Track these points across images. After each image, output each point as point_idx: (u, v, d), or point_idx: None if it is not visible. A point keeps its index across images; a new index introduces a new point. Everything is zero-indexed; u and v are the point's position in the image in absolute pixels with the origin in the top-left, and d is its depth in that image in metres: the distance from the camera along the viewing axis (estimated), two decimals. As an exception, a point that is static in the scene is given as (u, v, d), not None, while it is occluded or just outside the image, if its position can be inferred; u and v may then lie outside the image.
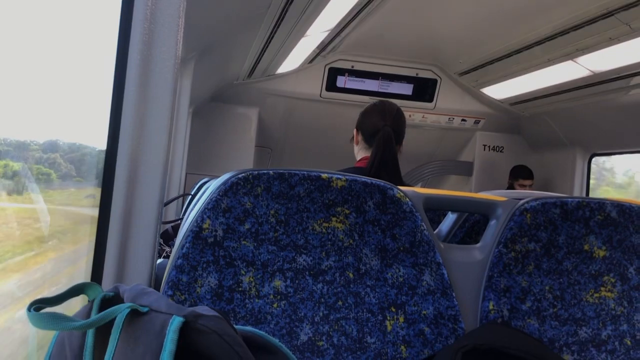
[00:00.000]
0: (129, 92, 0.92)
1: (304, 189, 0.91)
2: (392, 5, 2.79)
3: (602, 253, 1.03)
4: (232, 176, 0.90)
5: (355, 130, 1.98)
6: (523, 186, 4.01)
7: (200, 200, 0.92)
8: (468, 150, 4.56)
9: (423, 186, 4.48)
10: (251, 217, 0.90)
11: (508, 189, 4.06)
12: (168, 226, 2.00)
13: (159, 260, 1.13)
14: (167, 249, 1.78)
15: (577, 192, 3.89)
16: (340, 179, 0.93)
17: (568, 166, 3.99)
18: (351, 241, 0.94)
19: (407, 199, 0.95)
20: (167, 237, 1.93)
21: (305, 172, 0.91)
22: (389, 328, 0.93)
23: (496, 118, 4.26)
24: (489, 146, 4.46)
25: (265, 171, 0.90)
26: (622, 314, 1.04)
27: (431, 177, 4.59)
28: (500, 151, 4.47)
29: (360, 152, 1.94)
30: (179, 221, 1.90)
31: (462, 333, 0.95)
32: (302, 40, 3.15)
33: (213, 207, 0.88)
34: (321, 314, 0.91)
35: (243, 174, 0.90)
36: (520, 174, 4.07)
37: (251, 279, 0.89)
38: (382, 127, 1.83)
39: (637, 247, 1.05)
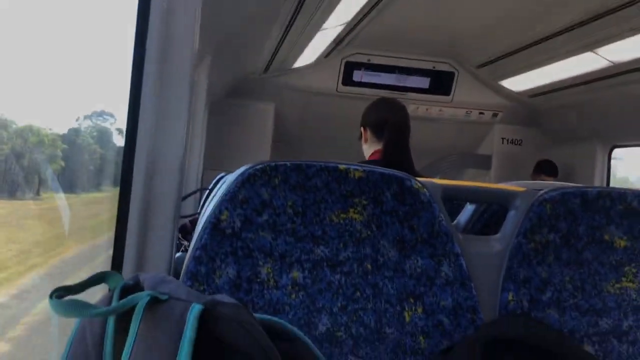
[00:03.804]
0: (147, 89, 0.93)
1: (321, 180, 0.91)
2: (408, -2, 2.78)
3: (623, 243, 1.02)
4: (250, 168, 0.90)
5: (362, 128, 1.97)
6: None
7: (218, 193, 0.93)
8: (486, 144, 4.51)
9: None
10: (269, 208, 0.90)
11: None
12: (186, 221, 2.02)
13: (177, 254, 1.14)
14: (185, 242, 1.79)
15: (598, 184, 3.83)
16: (357, 170, 0.92)
17: (588, 159, 3.93)
18: (369, 232, 0.93)
19: (425, 190, 0.95)
20: (185, 231, 1.94)
21: (322, 164, 0.91)
22: (408, 319, 0.93)
23: (515, 111, 4.21)
24: (508, 139, 4.41)
25: (282, 163, 0.90)
26: None
27: (449, 171, 4.56)
28: (519, 144, 4.42)
29: (371, 147, 1.93)
30: (197, 215, 1.91)
31: (481, 324, 0.95)
32: (318, 34, 3.14)
33: (231, 199, 0.89)
34: (339, 304, 0.91)
35: (260, 166, 0.90)
36: (543, 170, 3.99)
37: (269, 270, 0.89)
38: (391, 117, 1.84)
39: None
